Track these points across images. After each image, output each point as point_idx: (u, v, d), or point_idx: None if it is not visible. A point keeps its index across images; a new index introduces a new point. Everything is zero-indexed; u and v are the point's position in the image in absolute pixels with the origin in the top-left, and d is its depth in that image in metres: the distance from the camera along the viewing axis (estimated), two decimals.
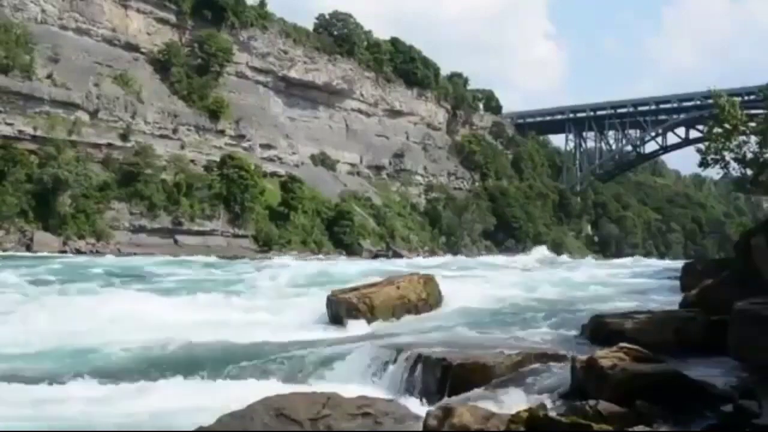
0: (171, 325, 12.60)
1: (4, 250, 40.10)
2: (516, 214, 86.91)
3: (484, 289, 18.00)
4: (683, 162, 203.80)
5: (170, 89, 62.06)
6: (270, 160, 69.49)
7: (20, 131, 48.27)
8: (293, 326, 12.90)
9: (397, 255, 63.29)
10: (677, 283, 18.03)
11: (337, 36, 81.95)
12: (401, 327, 12.04)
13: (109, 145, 54.05)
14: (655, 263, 52.18)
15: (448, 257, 60.62)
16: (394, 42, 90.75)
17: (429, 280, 14.76)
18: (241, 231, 59.62)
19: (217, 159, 61.40)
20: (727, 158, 22.93)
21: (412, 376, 8.12)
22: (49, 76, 51.75)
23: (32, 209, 46.00)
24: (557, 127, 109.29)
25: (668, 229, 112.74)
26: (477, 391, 7.43)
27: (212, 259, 40.90)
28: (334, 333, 12.06)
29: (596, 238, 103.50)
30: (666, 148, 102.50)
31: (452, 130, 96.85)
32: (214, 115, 64.19)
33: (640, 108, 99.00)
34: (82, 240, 47.24)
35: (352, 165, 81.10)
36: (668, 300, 14.18)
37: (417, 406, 6.98)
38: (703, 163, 23.95)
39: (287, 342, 10.99)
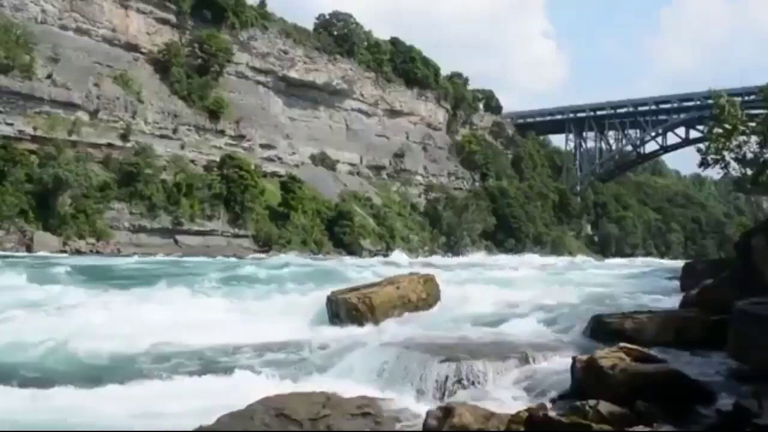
0: (170, 324, 12.60)
1: (4, 250, 40.07)
2: (516, 214, 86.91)
3: (484, 290, 17.99)
4: (683, 162, 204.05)
5: (170, 89, 62.03)
6: (270, 160, 69.49)
7: (20, 131, 48.23)
8: (293, 326, 12.89)
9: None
10: (677, 283, 18.02)
11: (337, 36, 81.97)
12: (401, 327, 12.03)
13: (109, 145, 54.02)
14: (655, 263, 52.26)
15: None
16: (394, 42, 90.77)
17: (429, 280, 14.77)
18: (241, 231, 59.61)
19: (217, 159, 61.39)
20: (727, 158, 22.99)
21: (412, 376, 8.12)
22: (49, 76, 51.71)
23: (32, 209, 45.95)
24: (557, 127, 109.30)
25: (668, 229, 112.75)
26: (477, 390, 7.44)
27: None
28: (334, 333, 12.06)
29: (596, 238, 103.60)
30: (666, 148, 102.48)
31: (452, 130, 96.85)
32: (214, 115, 64.18)
33: (640, 108, 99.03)
34: (82, 240, 47.19)
35: (352, 165, 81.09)
36: (668, 300, 14.17)
37: (417, 406, 6.98)
38: (703, 163, 24.00)
39: (287, 342, 11.00)
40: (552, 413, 5.39)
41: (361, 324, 12.57)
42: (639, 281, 24.66)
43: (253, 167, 61.82)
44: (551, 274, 29.52)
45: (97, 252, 45.55)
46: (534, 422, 5.20)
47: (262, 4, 74.66)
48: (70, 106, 52.15)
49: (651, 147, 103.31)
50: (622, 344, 7.10)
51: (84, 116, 53.16)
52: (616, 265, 46.30)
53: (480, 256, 61.78)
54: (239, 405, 6.64)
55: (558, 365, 7.80)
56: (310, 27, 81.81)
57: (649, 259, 70.22)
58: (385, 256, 59.92)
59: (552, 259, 51.41)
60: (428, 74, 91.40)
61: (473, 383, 7.66)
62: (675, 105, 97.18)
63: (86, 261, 32.36)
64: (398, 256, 53.16)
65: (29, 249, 42.58)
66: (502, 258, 54.22)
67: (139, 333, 11.59)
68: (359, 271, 25.13)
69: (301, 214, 65.11)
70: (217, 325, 12.94)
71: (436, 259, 53.67)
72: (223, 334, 11.91)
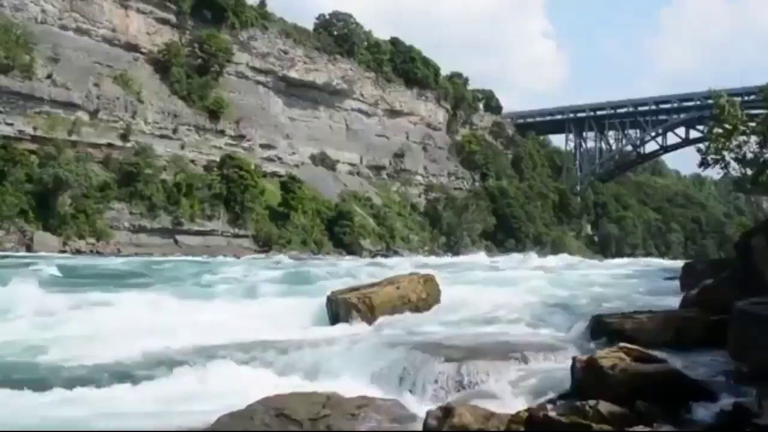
0: (177, 324, 12.60)
1: (4, 250, 40.07)
2: (516, 214, 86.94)
3: (484, 290, 17.98)
4: (683, 162, 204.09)
5: (170, 89, 62.06)
6: (270, 160, 69.53)
7: (20, 131, 48.27)
8: (293, 326, 12.89)
9: (398, 255, 63.46)
10: (677, 283, 17.99)
11: (337, 36, 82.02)
12: (401, 327, 12.02)
13: (109, 145, 54.07)
14: (655, 263, 52.14)
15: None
16: (394, 42, 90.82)
17: (429, 280, 14.75)
18: (241, 231, 59.65)
19: (217, 159, 61.43)
20: (727, 158, 23.00)
21: (412, 376, 8.12)
22: (49, 76, 51.74)
23: (32, 209, 45.98)
24: (557, 127, 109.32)
25: (668, 229, 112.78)
26: (477, 390, 7.43)
27: None
28: (333, 333, 12.05)
29: (596, 238, 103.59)
30: (666, 148, 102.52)
31: (452, 130, 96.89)
32: (214, 115, 64.23)
33: (640, 108, 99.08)
34: (82, 240, 47.22)
35: (352, 165, 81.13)
36: (668, 300, 14.15)
37: (417, 406, 6.97)
38: (703, 163, 24.02)
39: (287, 342, 10.98)
40: (552, 413, 5.38)
41: (360, 324, 12.56)
42: (639, 281, 24.61)
43: (253, 167, 61.88)
44: (550, 274, 29.46)
45: (98, 252, 45.56)
46: (534, 422, 5.20)
47: (262, 4, 74.74)
48: (70, 106, 52.17)
49: (651, 147, 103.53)
50: (622, 344, 7.09)
51: (84, 116, 53.19)
52: (616, 265, 46.18)
53: (471, 257, 59.48)
54: (239, 405, 6.64)
55: (558, 365, 7.80)
56: (310, 27, 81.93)
57: (649, 259, 70.07)
58: (385, 256, 59.88)
59: (552, 260, 50.52)
60: (428, 74, 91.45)
61: (473, 383, 7.65)
62: (675, 105, 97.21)
63: (67, 261, 32.30)
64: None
65: (29, 249, 42.58)
66: (501, 259, 52.78)
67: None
68: (326, 278, 23.28)
69: (301, 214, 65.15)
70: (217, 323, 12.93)
71: (431, 260, 52.71)
72: (220, 331, 11.91)
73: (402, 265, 32.57)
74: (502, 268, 32.81)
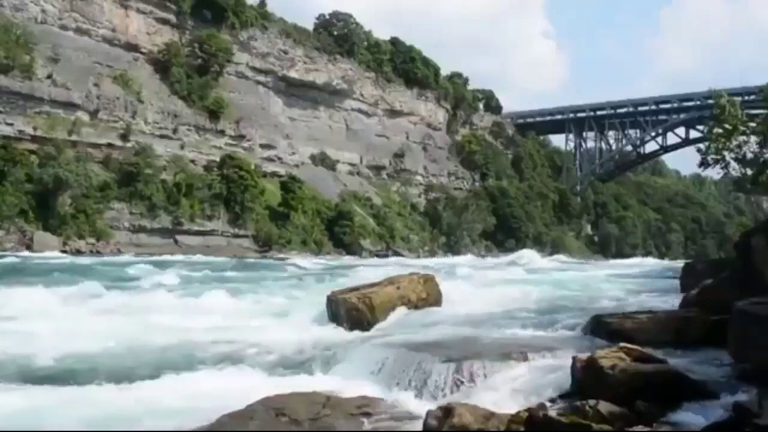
0: (177, 323, 12.61)
1: (4, 250, 40.06)
2: (516, 214, 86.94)
3: (484, 289, 17.98)
4: (683, 162, 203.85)
5: (170, 89, 62.06)
6: (270, 160, 69.53)
7: (20, 131, 48.30)
8: (293, 326, 12.89)
9: (397, 255, 63.54)
10: (677, 283, 17.98)
11: (337, 36, 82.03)
12: (401, 327, 12.02)
13: (109, 145, 54.08)
14: (654, 263, 52.14)
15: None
16: (394, 42, 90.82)
17: (429, 280, 14.74)
18: (241, 231, 59.65)
19: (217, 159, 61.44)
20: (727, 158, 22.92)
21: (412, 376, 8.11)
22: (49, 76, 51.75)
23: (32, 209, 46.00)
24: (557, 127, 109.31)
25: (668, 229, 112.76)
26: (477, 390, 7.43)
27: None
28: (333, 333, 12.05)
29: (596, 238, 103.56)
30: (666, 148, 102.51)
31: (452, 130, 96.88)
32: (214, 115, 64.23)
33: (640, 108, 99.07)
34: (82, 240, 47.24)
35: (352, 165, 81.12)
36: (668, 300, 14.15)
37: (417, 406, 6.97)
38: (703, 163, 23.95)
39: (287, 342, 10.98)
40: (552, 413, 5.39)
41: (361, 324, 12.53)
42: (639, 281, 24.61)
43: (253, 167, 61.89)
44: (549, 274, 29.41)
45: (97, 252, 45.57)
46: (534, 422, 5.20)
47: (262, 4, 74.75)
48: (70, 106, 52.18)
49: (651, 147, 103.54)
50: (622, 344, 7.10)
51: (84, 116, 53.19)
52: (614, 265, 46.16)
53: (453, 259, 55.58)
54: (239, 405, 6.64)
55: (558, 365, 7.79)
56: (310, 27, 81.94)
57: (648, 260, 70.11)
58: (385, 256, 59.88)
59: (545, 262, 49.07)
60: (428, 74, 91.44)
61: (473, 383, 7.65)
62: (675, 105, 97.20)
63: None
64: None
65: (29, 249, 42.58)
66: (491, 262, 48.68)
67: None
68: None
69: (301, 214, 65.15)
70: (218, 323, 12.94)
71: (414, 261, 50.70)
72: (221, 332, 11.92)
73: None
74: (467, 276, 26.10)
